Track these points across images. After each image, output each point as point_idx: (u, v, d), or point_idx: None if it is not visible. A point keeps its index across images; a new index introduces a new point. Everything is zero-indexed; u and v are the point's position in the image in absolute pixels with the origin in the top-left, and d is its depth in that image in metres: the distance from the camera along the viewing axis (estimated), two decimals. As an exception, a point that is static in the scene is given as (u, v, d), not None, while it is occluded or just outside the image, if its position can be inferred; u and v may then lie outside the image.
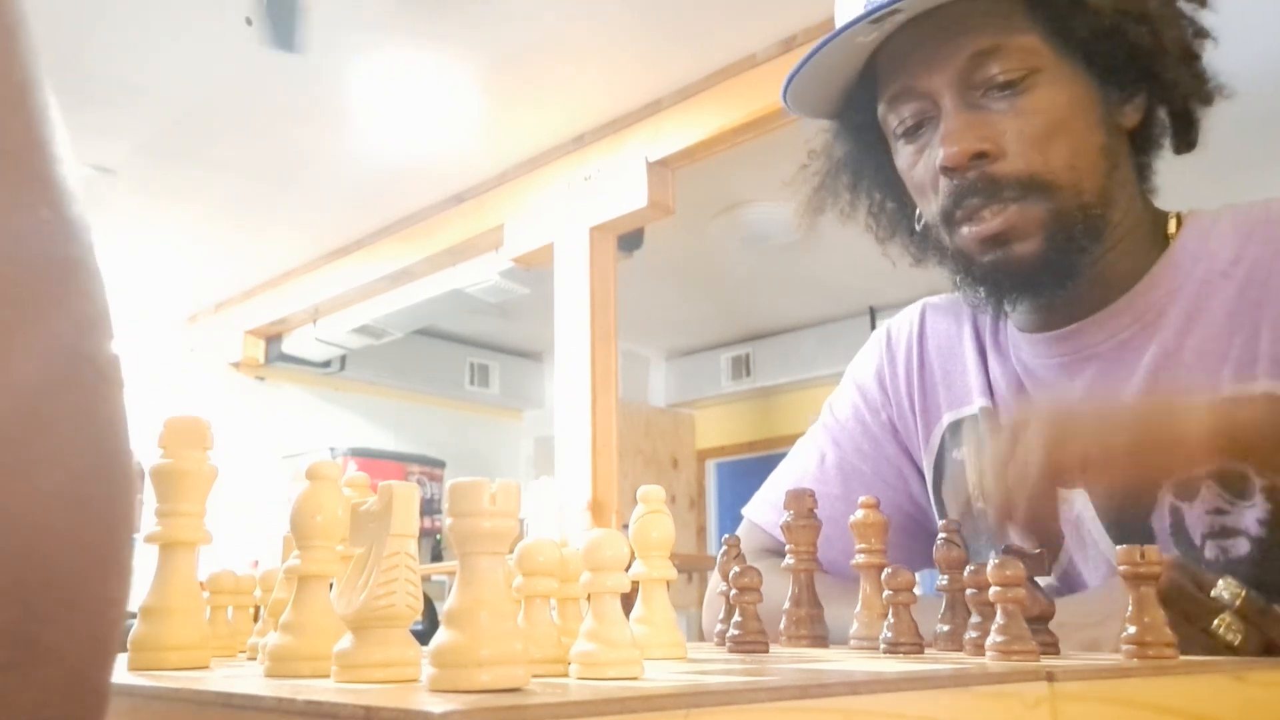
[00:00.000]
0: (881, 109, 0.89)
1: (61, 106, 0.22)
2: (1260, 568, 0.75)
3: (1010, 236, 0.82)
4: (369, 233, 4.69)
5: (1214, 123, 0.88)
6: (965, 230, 0.84)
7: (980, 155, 0.82)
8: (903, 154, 0.89)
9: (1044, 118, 0.81)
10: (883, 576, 0.66)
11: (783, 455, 1.12)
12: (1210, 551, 0.78)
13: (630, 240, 3.81)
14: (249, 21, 2.93)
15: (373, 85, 3.43)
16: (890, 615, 0.63)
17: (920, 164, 0.87)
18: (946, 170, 0.83)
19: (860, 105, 0.92)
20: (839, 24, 0.85)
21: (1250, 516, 0.77)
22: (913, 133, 0.87)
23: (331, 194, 4.25)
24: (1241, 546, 0.77)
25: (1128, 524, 0.82)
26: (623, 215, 3.60)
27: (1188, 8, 0.84)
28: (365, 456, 5.44)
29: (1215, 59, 0.86)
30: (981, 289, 0.87)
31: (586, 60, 3.32)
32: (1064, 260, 0.83)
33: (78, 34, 3.06)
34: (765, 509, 1.05)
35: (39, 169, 0.21)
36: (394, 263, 4.60)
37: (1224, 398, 0.79)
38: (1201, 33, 0.84)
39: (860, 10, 0.82)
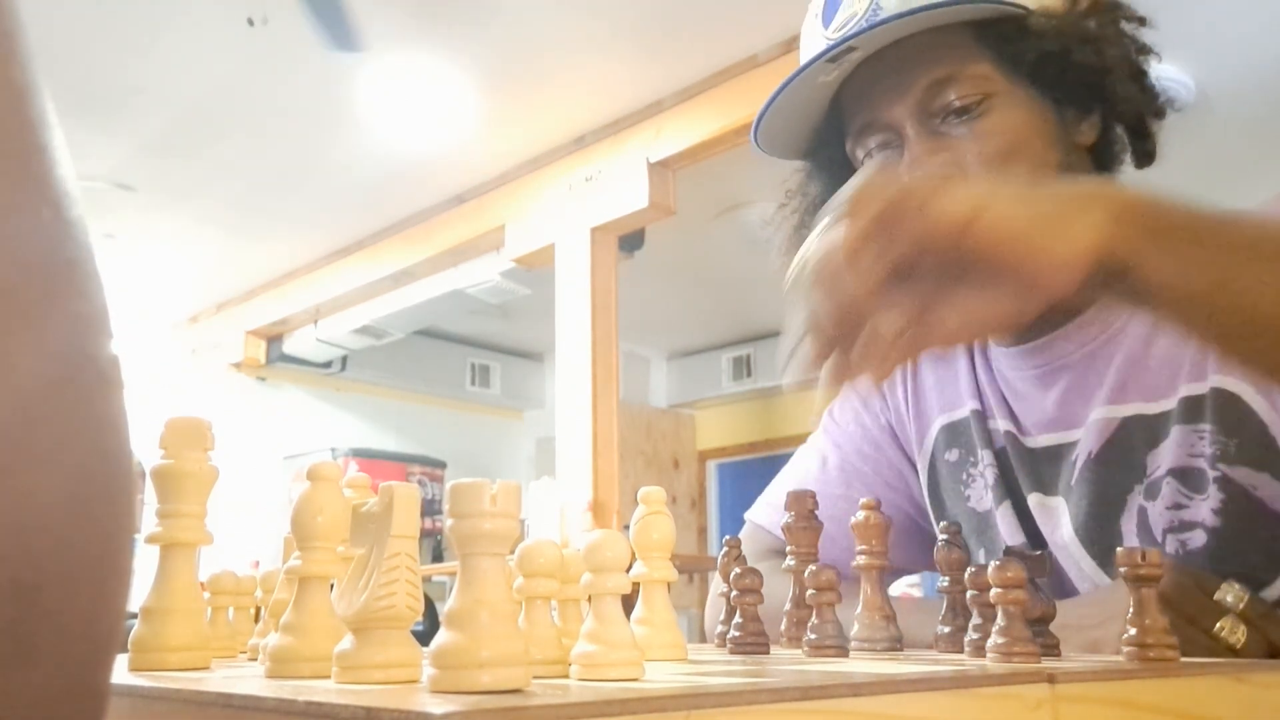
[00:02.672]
0: (849, 143, 0.91)
1: (65, 109, 0.22)
2: (1216, 559, 0.77)
3: None
4: (370, 233, 4.69)
5: (1191, 134, 0.88)
6: None
7: None
8: None
9: (1001, 139, 0.83)
10: (805, 575, 0.66)
11: (784, 456, 1.13)
12: (1170, 545, 0.80)
13: (631, 241, 3.81)
14: (250, 22, 2.93)
15: (374, 86, 3.43)
16: (814, 616, 0.63)
17: None
18: None
19: (830, 143, 0.94)
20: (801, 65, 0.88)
21: (1205, 508, 0.79)
22: None
23: (333, 194, 4.26)
24: (1199, 539, 0.79)
25: (1098, 528, 0.84)
26: (624, 216, 3.60)
27: (1129, 27, 0.86)
28: (366, 457, 5.45)
29: (1196, 71, 0.87)
30: None
31: (587, 61, 3.33)
32: None
33: (80, 36, 3.06)
34: (769, 512, 1.06)
35: (38, 171, 0.21)
36: (395, 263, 4.60)
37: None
38: (1144, 49, 0.87)
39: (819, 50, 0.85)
